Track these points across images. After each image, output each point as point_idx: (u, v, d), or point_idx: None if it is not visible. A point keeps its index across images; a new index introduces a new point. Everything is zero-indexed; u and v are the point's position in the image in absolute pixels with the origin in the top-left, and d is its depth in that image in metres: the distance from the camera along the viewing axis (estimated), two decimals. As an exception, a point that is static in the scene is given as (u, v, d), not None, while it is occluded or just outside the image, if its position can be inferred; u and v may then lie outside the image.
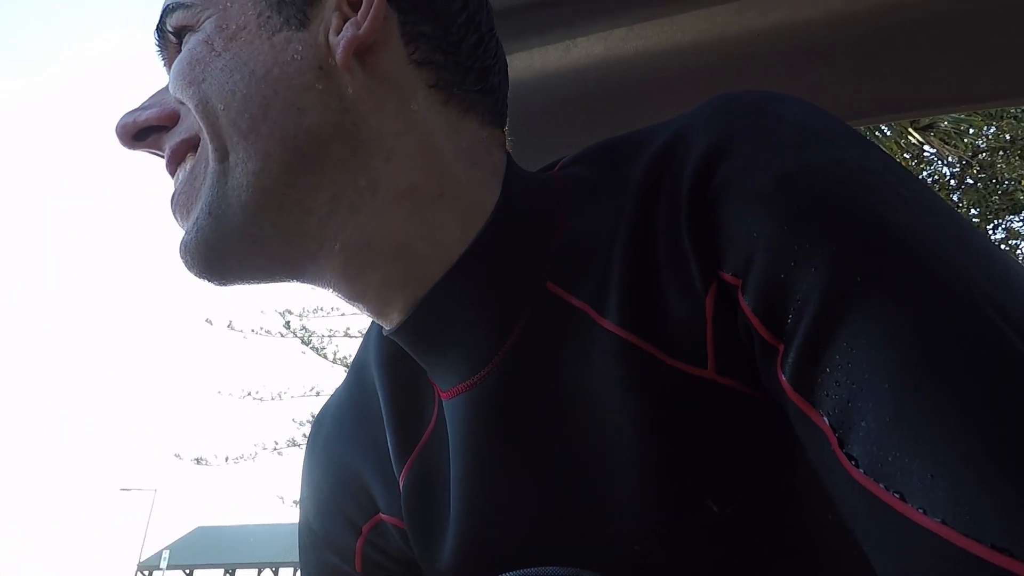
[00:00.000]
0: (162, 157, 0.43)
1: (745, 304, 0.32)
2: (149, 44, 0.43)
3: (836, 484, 0.28)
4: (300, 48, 0.38)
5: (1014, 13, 0.72)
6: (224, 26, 0.39)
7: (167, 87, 0.42)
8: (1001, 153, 6.35)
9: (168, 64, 0.44)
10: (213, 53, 0.39)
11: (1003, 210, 6.01)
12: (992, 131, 6.77)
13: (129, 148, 0.42)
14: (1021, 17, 0.73)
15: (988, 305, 0.26)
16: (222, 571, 20.18)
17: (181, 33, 0.42)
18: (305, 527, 0.52)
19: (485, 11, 0.44)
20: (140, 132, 0.42)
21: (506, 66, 0.46)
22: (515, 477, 0.40)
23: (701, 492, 0.35)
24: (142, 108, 0.42)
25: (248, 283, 0.40)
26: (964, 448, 0.23)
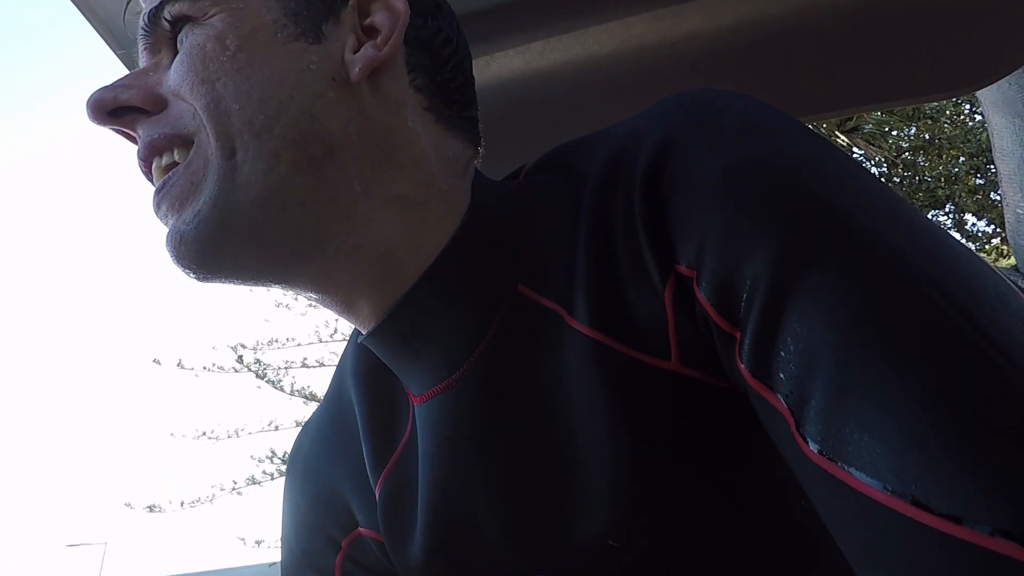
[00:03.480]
0: (129, 137, 0.43)
1: (701, 295, 0.33)
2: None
3: (796, 464, 0.29)
4: (315, 59, 0.40)
5: (928, 16, 0.76)
6: (238, 25, 0.40)
7: (145, 70, 0.42)
8: (922, 152, 6.79)
9: (149, 50, 0.43)
10: (227, 52, 0.39)
11: (926, 206, 6.40)
12: (913, 132, 7.22)
13: (99, 123, 0.41)
14: (934, 19, 0.77)
15: (925, 281, 0.27)
16: (182, 624, 19.08)
17: (178, 23, 0.41)
18: (286, 547, 0.53)
19: (469, 58, 0.49)
20: (118, 110, 0.41)
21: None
22: (486, 475, 0.41)
23: (672, 482, 0.36)
24: (123, 86, 0.41)
25: (232, 282, 0.41)
26: (909, 421, 0.24)
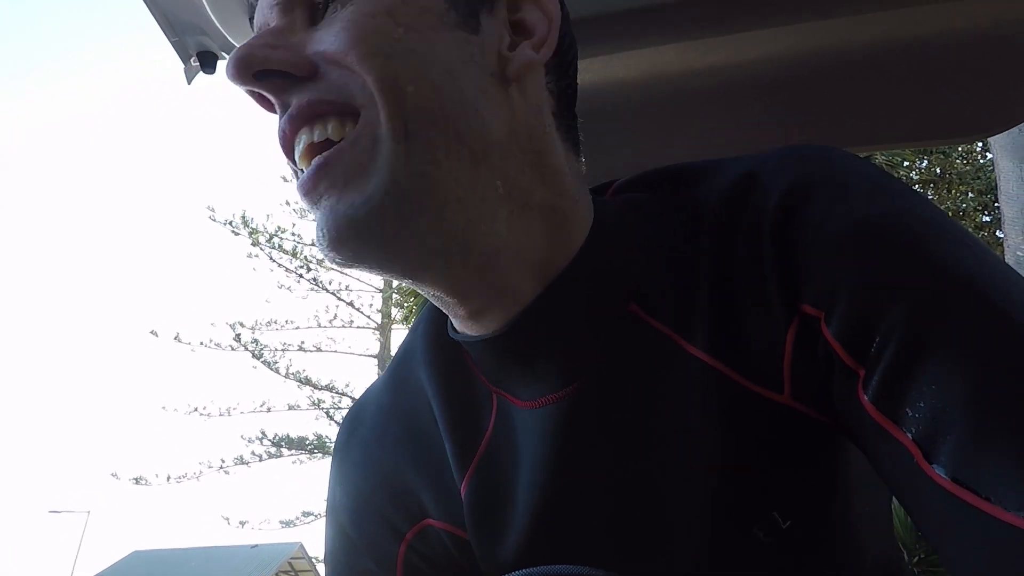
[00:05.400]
0: (264, 101, 0.40)
1: (828, 333, 0.35)
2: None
3: (918, 494, 0.31)
4: (476, 52, 0.39)
5: (946, 63, 0.79)
6: (407, 2, 0.38)
7: (281, 30, 0.39)
8: (932, 186, 6.83)
9: (282, 7, 0.40)
10: (398, 29, 0.37)
11: (933, 239, 6.42)
12: (924, 165, 7.25)
13: (242, 84, 0.38)
14: (952, 66, 0.79)
15: None
16: (159, 598, 19.10)
17: None
18: (338, 531, 0.51)
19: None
20: (265, 72, 0.37)
21: None
22: (594, 486, 0.42)
23: (767, 506, 0.38)
24: (270, 46, 0.38)
25: (370, 271, 0.39)
26: None
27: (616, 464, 0.41)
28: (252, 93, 0.39)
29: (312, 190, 0.37)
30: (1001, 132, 0.97)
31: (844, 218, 0.36)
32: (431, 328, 0.50)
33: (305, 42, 0.38)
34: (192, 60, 0.66)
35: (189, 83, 0.68)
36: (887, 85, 0.82)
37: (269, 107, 0.40)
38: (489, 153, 0.38)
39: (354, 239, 0.36)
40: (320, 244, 0.37)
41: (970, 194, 6.40)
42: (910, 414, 0.31)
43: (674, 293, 0.41)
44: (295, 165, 0.40)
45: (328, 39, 0.37)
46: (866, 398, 0.33)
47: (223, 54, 0.67)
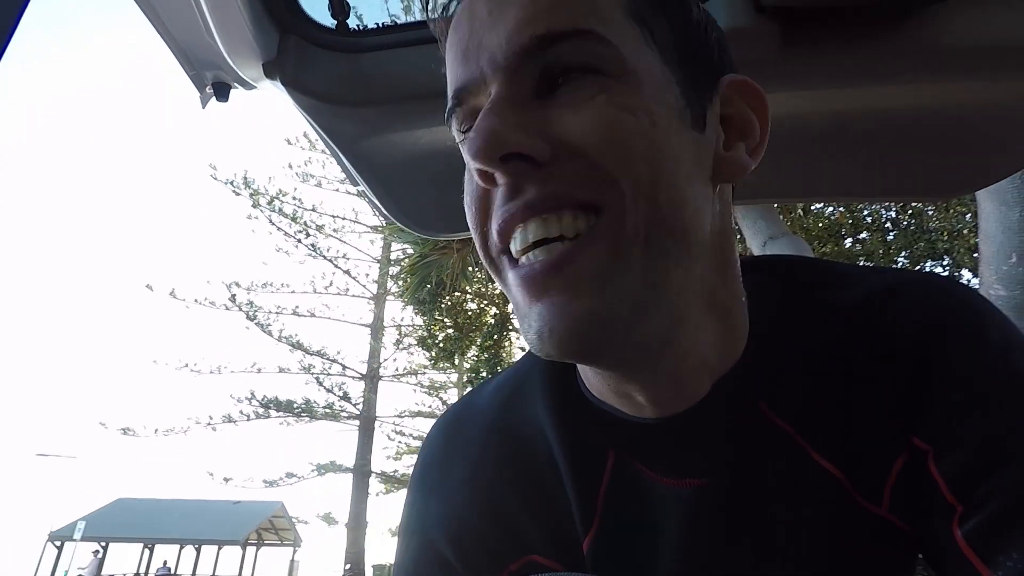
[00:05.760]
0: (490, 176, 0.37)
1: (934, 469, 0.38)
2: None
3: None
4: (702, 153, 0.38)
5: (930, 125, 0.85)
6: (654, 97, 0.37)
7: (516, 104, 0.36)
8: (932, 206, 6.88)
9: (517, 75, 0.37)
10: (652, 129, 0.36)
11: (924, 256, 6.49)
12: (926, 181, 7.28)
13: (487, 167, 0.35)
14: (936, 128, 0.85)
15: None
16: (141, 545, 19.45)
17: (580, 69, 0.36)
18: (426, 545, 0.51)
19: None
20: (510, 155, 0.35)
21: None
22: (717, 565, 0.46)
23: None
24: (515, 126, 0.35)
25: (574, 360, 0.40)
26: None
27: (739, 548, 0.45)
28: (481, 172, 0.36)
29: (541, 285, 0.36)
30: (987, 187, 1.03)
31: (976, 370, 0.39)
32: (554, 371, 0.50)
33: (540, 120, 0.36)
34: (207, 89, 0.71)
35: (203, 108, 0.73)
36: (894, 146, 0.88)
37: (489, 181, 0.37)
38: (700, 256, 0.38)
39: (580, 342, 0.35)
40: (540, 337, 0.36)
41: (968, 215, 6.45)
42: (1003, 560, 0.34)
43: (802, 395, 0.43)
44: (496, 239, 0.38)
45: (576, 127, 0.35)
46: (959, 533, 0.36)
47: (235, 84, 0.72)
